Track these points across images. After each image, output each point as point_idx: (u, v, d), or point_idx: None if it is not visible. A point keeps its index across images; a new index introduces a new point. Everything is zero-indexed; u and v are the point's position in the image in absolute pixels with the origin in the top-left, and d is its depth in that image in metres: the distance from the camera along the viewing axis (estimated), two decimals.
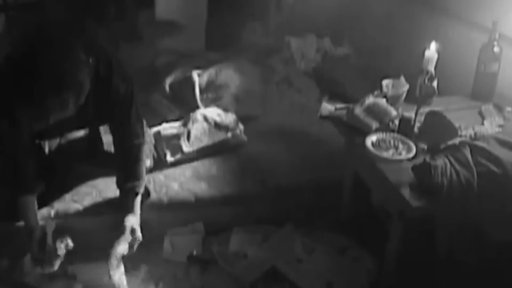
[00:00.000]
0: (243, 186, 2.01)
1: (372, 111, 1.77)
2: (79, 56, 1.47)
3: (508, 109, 1.84)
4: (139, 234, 1.71)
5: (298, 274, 1.70)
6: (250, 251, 1.79)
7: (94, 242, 1.78)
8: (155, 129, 2.22)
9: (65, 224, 1.79)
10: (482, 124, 1.79)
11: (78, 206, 1.88)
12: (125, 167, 1.79)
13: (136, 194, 1.77)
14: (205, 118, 2.27)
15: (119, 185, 1.81)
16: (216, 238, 1.88)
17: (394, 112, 1.78)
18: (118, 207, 1.80)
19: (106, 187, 1.93)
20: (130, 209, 1.75)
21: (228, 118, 2.30)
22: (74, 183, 1.96)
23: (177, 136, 2.16)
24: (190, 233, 1.89)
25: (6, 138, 1.66)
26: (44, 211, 1.81)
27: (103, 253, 1.72)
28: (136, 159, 1.80)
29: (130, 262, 1.72)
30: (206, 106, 2.46)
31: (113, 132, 1.84)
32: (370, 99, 1.82)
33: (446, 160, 1.49)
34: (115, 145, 1.84)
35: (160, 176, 2.06)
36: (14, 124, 1.63)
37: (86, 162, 2.02)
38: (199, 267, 1.77)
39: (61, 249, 1.64)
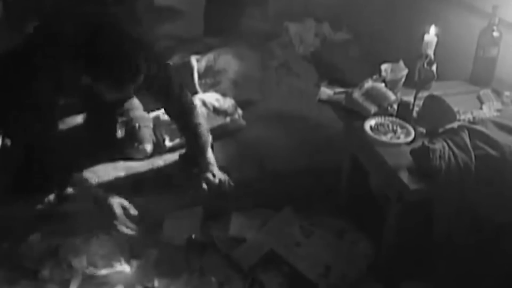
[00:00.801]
0: (242, 171, 2.01)
1: (371, 95, 1.77)
2: (136, 41, 1.57)
3: (507, 93, 1.84)
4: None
5: (297, 257, 1.71)
6: (249, 235, 1.80)
7: (94, 227, 1.79)
8: (154, 114, 2.22)
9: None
10: (481, 108, 1.79)
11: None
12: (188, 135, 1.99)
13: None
14: (204, 103, 2.28)
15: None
16: (215, 222, 1.89)
17: (393, 96, 1.77)
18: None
19: (106, 173, 1.93)
20: (204, 168, 1.94)
21: (227, 103, 2.30)
22: (74, 169, 1.96)
23: None
24: (189, 217, 1.89)
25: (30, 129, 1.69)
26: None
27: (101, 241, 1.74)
28: (193, 122, 1.95)
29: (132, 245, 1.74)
30: (204, 91, 2.46)
31: (166, 111, 2.02)
32: (369, 83, 1.81)
33: (445, 144, 1.49)
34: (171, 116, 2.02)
35: (159, 161, 2.07)
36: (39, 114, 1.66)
37: (86, 148, 2.02)
38: (198, 251, 1.78)
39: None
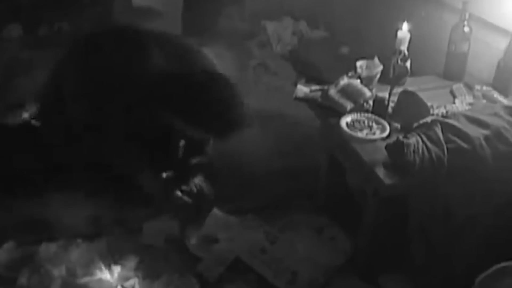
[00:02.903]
0: (219, 172, 2.01)
1: (347, 92, 1.79)
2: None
3: (477, 87, 1.88)
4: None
5: (263, 264, 1.67)
6: (221, 236, 1.78)
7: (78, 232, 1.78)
8: None
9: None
10: (454, 102, 1.82)
11: None
12: None
13: None
14: None
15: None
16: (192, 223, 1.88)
17: (368, 93, 1.79)
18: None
19: None
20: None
21: None
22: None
23: None
24: (167, 219, 1.89)
25: None
26: None
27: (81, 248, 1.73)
28: None
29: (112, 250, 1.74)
30: None
31: None
32: (344, 80, 1.83)
33: (419, 138, 1.51)
34: None
35: None
36: None
37: None
38: (178, 252, 1.78)
39: None
